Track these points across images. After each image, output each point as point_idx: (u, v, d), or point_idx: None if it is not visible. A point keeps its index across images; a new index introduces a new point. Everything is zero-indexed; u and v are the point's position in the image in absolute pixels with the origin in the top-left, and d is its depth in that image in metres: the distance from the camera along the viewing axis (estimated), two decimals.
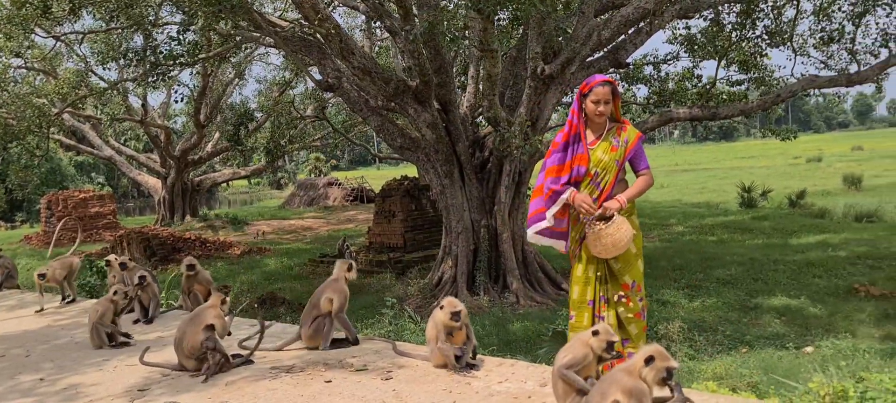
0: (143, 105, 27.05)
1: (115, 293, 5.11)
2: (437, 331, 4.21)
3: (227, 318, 4.49)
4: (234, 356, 4.54)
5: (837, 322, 9.35)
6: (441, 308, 4.22)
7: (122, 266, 6.43)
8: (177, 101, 28.64)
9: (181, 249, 20.41)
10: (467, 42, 11.63)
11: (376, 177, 46.71)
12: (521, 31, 12.70)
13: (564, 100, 13.57)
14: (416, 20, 8.66)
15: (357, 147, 34.85)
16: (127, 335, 5.21)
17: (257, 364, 4.55)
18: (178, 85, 25.05)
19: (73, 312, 6.61)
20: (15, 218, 45.58)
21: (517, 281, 11.58)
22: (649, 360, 2.92)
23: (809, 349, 8.07)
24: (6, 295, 7.95)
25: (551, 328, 7.78)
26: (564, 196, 4.11)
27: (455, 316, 4.10)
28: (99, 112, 21.19)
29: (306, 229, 26.87)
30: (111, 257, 6.73)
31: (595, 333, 3.29)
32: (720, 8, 12.20)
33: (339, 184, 38.24)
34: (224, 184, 50.24)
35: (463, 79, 15.71)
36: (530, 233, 4.30)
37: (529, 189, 12.46)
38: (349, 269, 4.96)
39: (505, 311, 11.02)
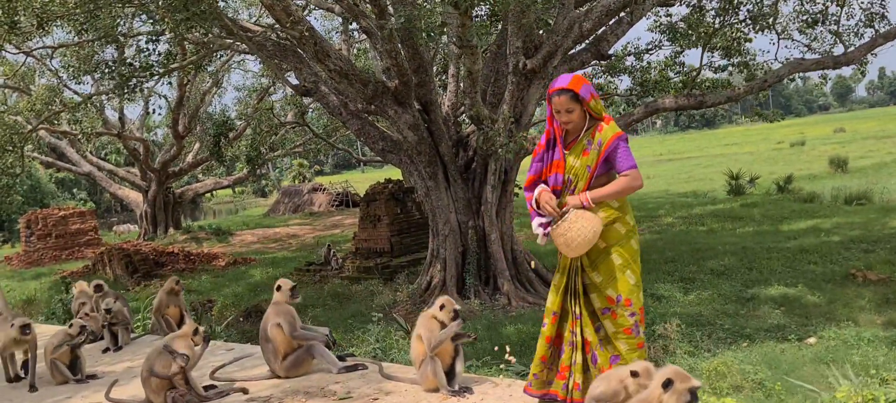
0: (119, 118, 26.54)
1: (70, 325, 4.77)
2: (426, 339, 3.91)
3: (198, 349, 4.14)
4: (207, 387, 4.21)
5: (837, 309, 9.13)
6: (442, 308, 3.92)
7: (98, 288, 6.05)
8: (153, 111, 28.08)
9: (165, 264, 19.98)
10: (445, 39, 11.32)
11: (361, 181, 46.31)
12: (500, 26, 12.44)
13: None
14: (393, 18, 8.35)
15: (340, 151, 34.43)
16: (90, 377, 4.88)
17: (232, 398, 4.21)
18: (155, 96, 24.57)
19: (40, 342, 6.24)
20: None
21: (508, 282, 11.30)
22: (667, 384, 2.62)
23: (812, 340, 7.85)
24: None
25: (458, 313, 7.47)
26: (531, 203, 3.80)
27: (456, 314, 3.81)
28: (74, 127, 20.66)
29: (292, 237, 26.48)
30: (81, 283, 6.34)
31: (633, 374, 3.01)
32: None
33: (324, 190, 37.84)
34: (207, 195, 49.69)
35: (443, 78, 15.42)
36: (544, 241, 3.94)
37: (518, 187, 12.20)
38: (292, 294, 4.55)
39: (497, 314, 10.74)
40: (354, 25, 18.18)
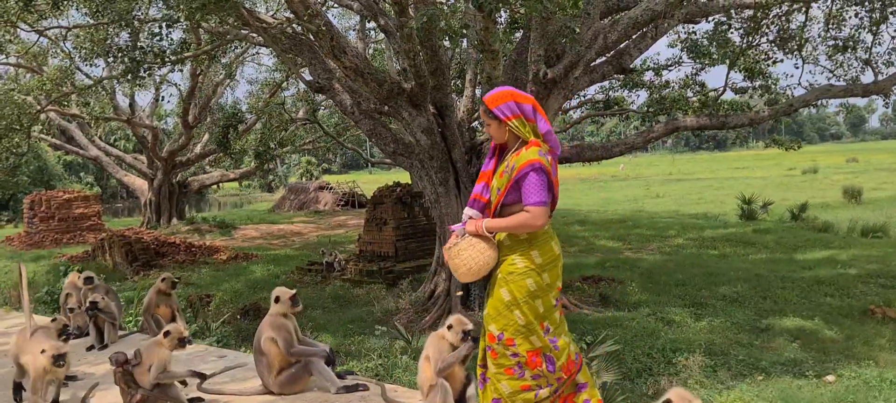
0: (130, 104, 26.36)
1: (53, 320, 4.47)
2: (434, 361, 3.63)
3: (168, 353, 3.85)
4: (192, 400, 3.92)
5: (856, 347, 8.79)
6: (450, 328, 3.62)
7: (88, 280, 5.75)
8: (163, 99, 27.87)
9: (166, 254, 19.73)
10: (466, 42, 11.04)
11: (368, 182, 46.05)
12: (519, 34, 12.15)
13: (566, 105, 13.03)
14: (413, 18, 8.07)
15: (349, 151, 34.21)
16: (69, 378, 4.53)
17: None
18: (167, 84, 24.38)
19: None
20: (0, 217, 44.76)
21: None
22: None
23: (831, 378, 7.52)
24: None
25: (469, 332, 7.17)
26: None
27: (466, 335, 3.53)
28: (84, 110, 20.49)
29: (296, 234, 26.23)
30: (73, 274, 6.05)
31: None
32: (733, 12, 11.64)
33: (331, 189, 37.62)
34: (213, 187, 49.51)
35: (458, 83, 15.14)
36: None
37: None
38: (292, 302, 4.23)
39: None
40: (371, 24, 17.97)
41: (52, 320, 4.51)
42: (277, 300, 4.20)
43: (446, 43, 10.08)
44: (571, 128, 25.27)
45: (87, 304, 5.24)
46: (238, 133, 19.16)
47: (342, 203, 35.86)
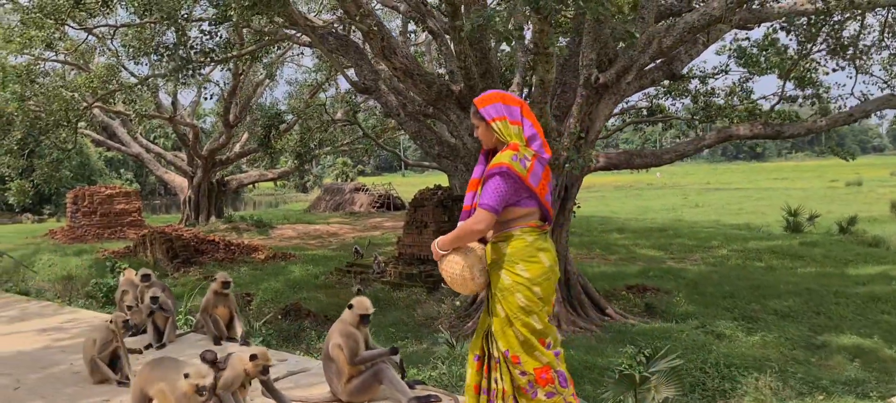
0: (173, 102, 26.68)
1: (111, 321, 4.38)
2: None
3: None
4: None
5: None
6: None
7: (146, 277, 5.71)
8: (206, 99, 28.15)
9: (205, 251, 19.86)
10: (515, 44, 10.88)
11: (403, 185, 46.07)
12: (566, 38, 11.97)
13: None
14: (468, 19, 7.95)
15: (384, 153, 34.29)
16: (136, 350, 4.44)
17: None
18: (209, 83, 24.58)
19: (78, 330, 5.90)
20: (43, 210, 45.73)
21: (559, 305, 10.78)
22: None
23: None
24: (8, 304, 7.28)
25: (615, 367, 6.97)
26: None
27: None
28: (129, 107, 20.74)
29: (332, 235, 26.27)
30: (129, 271, 6.01)
31: None
32: (794, 19, 11.31)
33: (366, 190, 37.67)
34: (249, 186, 49.98)
35: (502, 87, 14.98)
36: None
37: (577, 205, 11.71)
38: (360, 320, 4.09)
39: None
40: (412, 26, 17.91)
41: (110, 320, 4.44)
42: (350, 307, 4.10)
43: (502, 46, 9.91)
44: (611, 135, 24.93)
45: (149, 301, 5.20)
46: (279, 132, 19.22)
47: (378, 205, 35.87)
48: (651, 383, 5.77)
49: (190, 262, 18.38)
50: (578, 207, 11.77)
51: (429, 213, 15.10)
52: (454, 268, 3.31)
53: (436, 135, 11.63)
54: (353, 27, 15.22)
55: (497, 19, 7.10)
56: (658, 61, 11.38)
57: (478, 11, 7.61)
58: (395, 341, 10.30)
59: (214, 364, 3.72)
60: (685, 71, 16.06)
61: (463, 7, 9.13)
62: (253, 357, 3.74)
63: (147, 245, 19.55)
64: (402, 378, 4.20)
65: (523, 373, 3.27)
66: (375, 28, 8.94)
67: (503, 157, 3.22)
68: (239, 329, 5.27)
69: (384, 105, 11.94)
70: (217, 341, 5.17)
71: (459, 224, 3.36)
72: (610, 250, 18.83)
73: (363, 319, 4.12)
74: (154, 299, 5.16)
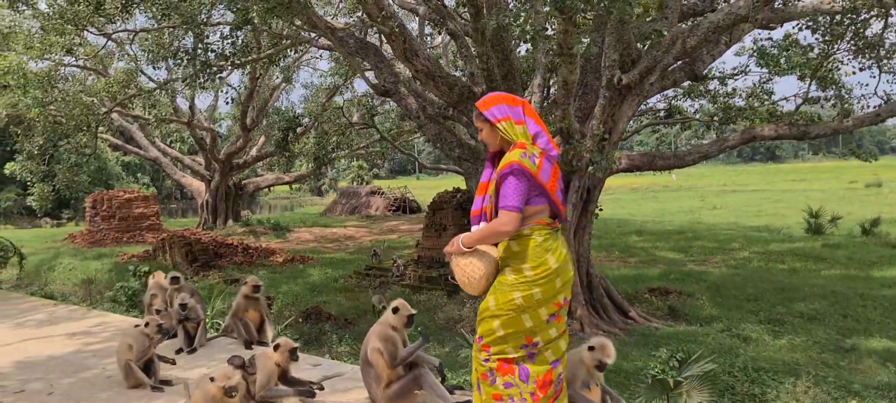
0: (190, 107, 26.81)
1: (146, 324, 4.35)
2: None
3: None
4: None
5: None
6: (591, 349, 3.47)
7: (175, 280, 5.68)
8: (227, 103, 28.28)
9: (223, 255, 19.92)
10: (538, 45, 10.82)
11: (417, 188, 46.06)
12: (587, 39, 11.89)
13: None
14: (492, 19, 7.90)
15: (398, 157, 34.33)
16: (164, 383, 4.36)
17: None
18: (227, 87, 24.71)
19: (107, 333, 5.87)
20: (62, 215, 46.12)
21: (582, 307, 10.70)
22: None
23: None
24: (36, 308, 7.27)
25: (646, 372, 6.88)
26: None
27: (602, 366, 3.35)
28: (147, 112, 20.88)
29: (349, 238, 26.29)
30: (158, 274, 5.97)
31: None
32: (810, 20, 11.17)
33: (382, 194, 37.69)
34: (266, 189, 50.18)
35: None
36: None
37: (599, 208, 11.61)
38: (407, 321, 4.08)
39: (570, 340, 10.15)
40: (428, 30, 17.88)
41: (145, 323, 4.40)
42: (396, 310, 4.07)
43: (522, 46, 9.84)
44: (628, 137, 24.77)
45: (177, 306, 5.17)
46: (296, 136, 19.25)
47: (393, 208, 35.88)
48: (683, 388, 5.68)
49: (209, 266, 18.43)
50: (601, 210, 11.67)
51: (448, 216, 15.05)
52: (471, 271, 3.33)
53: (456, 137, 11.58)
54: (370, 30, 15.23)
55: (522, 18, 7.03)
56: (680, 62, 11.27)
57: (501, 12, 7.56)
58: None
59: (243, 368, 3.70)
60: (706, 71, 15.96)
61: (485, 8, 9.08)
62: (277, 347, 3.76)
63: (166, 248, 19.63)
64: (442, 382, 4.15)
65: (486, 360, 3.33)
66: (397, 30, 8.91)
67: (513, 156, 3.23)
68: (270, 333, 5.23)
69: (404, 107, 11.90)
70: (248, 345, 5.13)
71: (482, 224, 3.36)
72: (629, 252, 18.68)
73: (409, 321, 4.13)
74: (183, 306, 5.13)
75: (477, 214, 3.42)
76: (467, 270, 3.32)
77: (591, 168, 9.17)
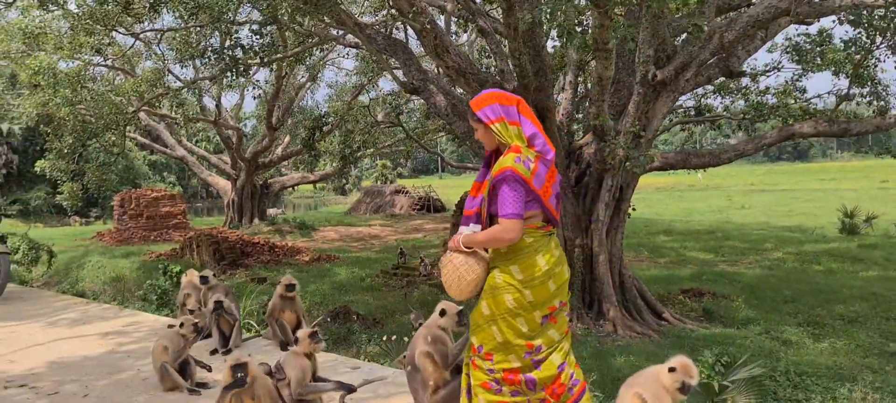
0: (217, 105, 26.94)
1: (181, 324, 4.24)
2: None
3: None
4: None
5: None
6: (672, 370, 3.29)
7: (203, 279, 5.60)
8: (255, 99, 28.43)
9: (250, 254, 19.93)
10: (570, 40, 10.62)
11: (440, 187, 45.97)
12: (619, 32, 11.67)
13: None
14: (528, 14, 7.73)
15: (420, 155, 34.30)
16: (201, 386, 4.26)
17: None
18: (252, 85, 24.78)
19: (141, 333, 5.81)
20: (90, 213, 46.72)
21: (614, 309, 10.48)
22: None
23: None
24: (68, 307, 7.23)
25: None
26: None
27: (686, 388, 3.19)
28: (174, 111, 20.99)
29: (374, 237, 26.24)
30: (191, 272, 5.90)
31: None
32: (863, 11, 10.85)
33: (406, 193, 37.63)
34: (290, 189, 50.44)
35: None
36: None
37: (632, 208, 11.39)
38: (458, 321, 3.94)
39: (602, 341, 9.95)
40: (454, 30, 17.72)
41: (180, 324, 4.31)
42: (443, 313, 3.95)
43: (552, 42, 9.65)
44: (657, 135, 24.39)
45: (212, 305, 5.08)
46: (323, 134, 19.22)
47: (418, 207, 35.79)
48: (729, 393, 5.49)
49: (236, 264, 18.44)
50: (634, 209, 11.44)
51: None
52: (460, 272, 3.26)
53: None
54: (395, 27, 15.13)
55: (559, 14, 6.86)
56: (714, 58, 11.01)
57: (537, 6, 7.39)
58: None
59: (271, 376, 3.61)
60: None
61: (516, 3, 8.91)
62: (297, 341, 3.67)
63: (193, 247, 19.69)
64: None
65: (490, 371, 3.27)
66: (428, 26, 8.77)
67: (507, 161, 3.18)
68: None
69: (433, 105, 11.74)
70: (284, 347, 5.03)
71: (471, 226, 3.32)
72: (658, 252, 18.39)
73: (461, 317, 4.03)
74: (217, 305, 5.04)
75: (469, 215, 3.37)
76: (461, 270, 3.26)
77: (628, 164, 8.96)
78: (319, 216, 36.93)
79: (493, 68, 12.00)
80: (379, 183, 48.73)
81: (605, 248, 10.69)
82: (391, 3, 8.94)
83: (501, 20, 12.37)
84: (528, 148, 3.25)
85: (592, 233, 10.68)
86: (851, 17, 11.10)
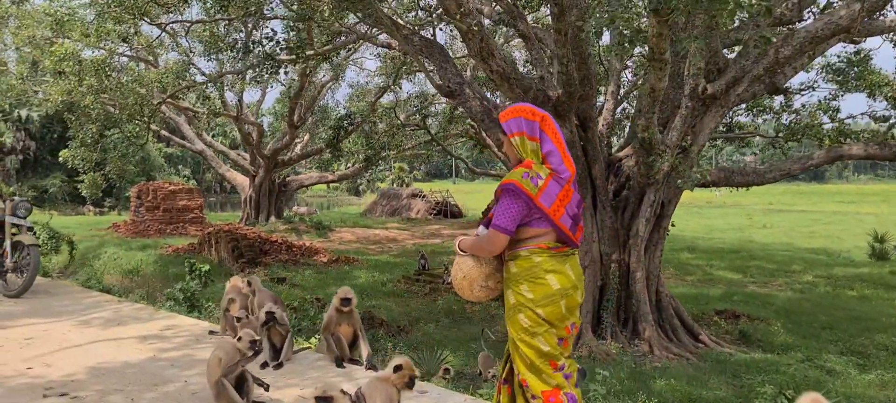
0: (238, 101, 26.77)
1: (239, 338, 3.92)
2: None
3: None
4: None
5: None
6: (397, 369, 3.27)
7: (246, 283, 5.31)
8: (284, 90, 28.26)
9: (268, 252, 19.68)
10: (613, 50, 10.31)
11: (454, 192, 45.66)
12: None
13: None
14: (588, 20, 7.43)
15: (435, 160, 34.13)
16: (262, 383, 3.94)
17: None
18: (278, 82, 24.60)
19: (181, 339, 5.50)
20: (104, 203, 46.70)
21: (650, 328, 10.14)
22: None
23: None
24: (99, 304, 6.94)
25: None
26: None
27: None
28: (202, 104, 20.80)
29: (391, 240, 25.96)
30: (234, 279, 5.59)
31: None
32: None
33: (423, 197, 37.34)
34: (303, 188, 50.31)
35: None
36: None
37: (672, 224, 11.06)
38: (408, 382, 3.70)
39: (638, 362, 9.60)
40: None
41: (238, 338, 3.98)
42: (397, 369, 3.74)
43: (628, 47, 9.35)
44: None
45: (264, 315, 4.78)
46: (347, 134, 18.97)
47: (434, 212, 35.48)
48: None
49: (255, 263, 18.19)
50: (673, 225, 11.10)
51: None
52: (464, 273, 3.31)
53: None
54: (431, 28, 14.86)
55: (621, 19, 6.55)
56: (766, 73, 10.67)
57: (587, 11, 7.09)
58: (476, 357, 9.81)
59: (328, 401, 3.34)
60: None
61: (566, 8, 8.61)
62: (397, 369, 3.39)
63: (212, 243, 19.47)
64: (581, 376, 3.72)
65: (533, 397, 3.23)
66: (475, 28, 8.49)
67: (513, 175, 3.21)
68: (365, 350, 4.81)
69: (468, 109, 11.44)
70: (339, 363, 4.73)
71: (479, 237, 3.36)
72: (685, 270, 18.02)
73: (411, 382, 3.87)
74: (269, 314, 4.72)
75: (486, 220, 3.39)
76: (455, 268, 3.36)
77: (679, 182, 8.63)
78: (335, 216, 36.69)
79: (534, 73, 11.69)
80: (395, 185, 48.48)
81: (643, 265, 10.35)
82: (439, 4, 8.66)
83: (540, 26, 12.08)
84: (541, 165, 3.23)
85: (630, 249, 10.35)
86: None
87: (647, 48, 7.84)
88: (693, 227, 33.92)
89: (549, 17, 10.63)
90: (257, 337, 3.94)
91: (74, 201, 46.26)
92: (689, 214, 43.32)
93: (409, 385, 3.48)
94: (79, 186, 21.50)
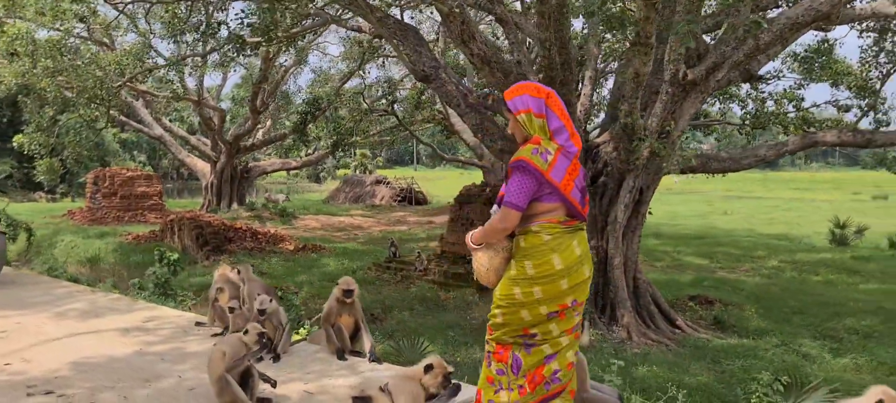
0: (199, 85, 26.06)
1: (245, 332, 3.65)
2: None
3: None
4: None
5: None
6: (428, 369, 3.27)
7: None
8: (244, 76, 27.54)
9: (232, 239, 19.20)
10: (589, 36, 10.21)
11: (417, 178, 45.40)
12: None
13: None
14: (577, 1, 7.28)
15: (396, 146, 33.82)
16: (263, 401, 3.68)
17: None
18: (238, 67, 24.00)
19: (166, 331, 5.17)
20: (56, 190, 45.21)
21: (628, 314, 10.13)
22: None
23: None
24: (72, 295, 6.53)
25: (734, 393, 6.27)
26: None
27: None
28: (162, 87, 20.11)
29: (357, 228, 25.64)
30: (223, 267, 5.30)
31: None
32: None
33: (388, 183, 37.00)
34: (265, 174, 49.47)
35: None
36: None
37: (650, 212, 11.05)
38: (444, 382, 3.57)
39: (617, 349, 9.56)
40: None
41: (244, 332, 3.70)
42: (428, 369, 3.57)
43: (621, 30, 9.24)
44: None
45: (256, 310, 4.50)
46: (314, 120, 18.56)
47: (399, 198, 35.19)
48: None
49: (220, 250, 17.75)
50: (650, 213, 11.10)
51: (476, 210, 14.42)
52: (483, 262, 3.32)
53: (499, 128, 10.95)
54: (405, 11, 14.57)
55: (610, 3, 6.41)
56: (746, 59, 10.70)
57: None
58: (454, 345, 9.67)
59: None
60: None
61: None
62: (429, 368, 3.21)
63: (174, 230, 18.95)
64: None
65: (486, 342, 3.39)
66: (456, 10, 8.28)
67: (523, 151, 3.21)
68: (367, 341, 4.59)
69: (444, 94, 11.26)
70: (341, 355, 4.50)
71: (490, 221, 3.35)
72: (653, 256, 18.16)
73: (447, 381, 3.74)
74: (261, 311, 4.45)
75: (499, 198, 3.38)
76: (475, 263, 3.35)
77: (664, 166, 8.58)
78: (298, 203, 36.14)
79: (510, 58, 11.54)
80: (358, 172, 47.99)
81: (621, 251, 10.32)
82: None
83: (516, 10, 11.90)
84: (549, 141, 3.24)
85: (608, 235, 10.31)
86: (883, 24, 10.86)
87: (629, 32, 7.74)
88: (658, 213, 34.20)
89: (518, 3, 10.47)
90: (264, 330, 3.69)
91: (25, 188, 44.70)
92: (653, 201, 43.90)
93: (445, 384, 3.31)
94: (31, 172, 20.67)
